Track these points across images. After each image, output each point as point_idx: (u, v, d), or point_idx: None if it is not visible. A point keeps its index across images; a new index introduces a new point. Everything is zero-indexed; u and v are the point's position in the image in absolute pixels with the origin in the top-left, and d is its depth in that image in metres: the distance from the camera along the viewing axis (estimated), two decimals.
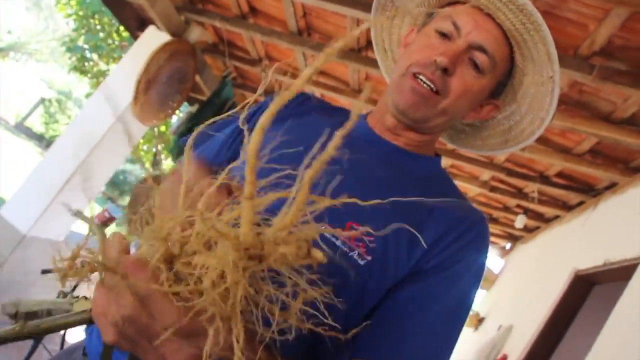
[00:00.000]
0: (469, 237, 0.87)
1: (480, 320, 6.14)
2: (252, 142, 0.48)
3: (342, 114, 1.05)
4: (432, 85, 0.89)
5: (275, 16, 3.83)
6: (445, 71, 0.88)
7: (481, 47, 0.90)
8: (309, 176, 0.49)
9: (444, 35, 0.92)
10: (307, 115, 1.03)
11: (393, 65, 1.16)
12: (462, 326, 0.87)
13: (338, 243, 0.81)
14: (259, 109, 1.05)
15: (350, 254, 0.81)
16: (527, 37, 0.90)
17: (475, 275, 0.88)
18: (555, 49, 0.89)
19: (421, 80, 0.89)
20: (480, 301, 6.87)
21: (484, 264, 0.90)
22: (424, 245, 0.84)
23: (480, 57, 0.90)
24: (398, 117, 0.95)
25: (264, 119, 0.48)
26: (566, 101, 3.23)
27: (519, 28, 0.89)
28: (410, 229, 0.74)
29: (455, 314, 0.86)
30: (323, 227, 0.79)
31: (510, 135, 1.05)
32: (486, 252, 0.91)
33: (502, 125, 1.06)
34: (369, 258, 0.82)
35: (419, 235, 0.79)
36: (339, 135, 0.48)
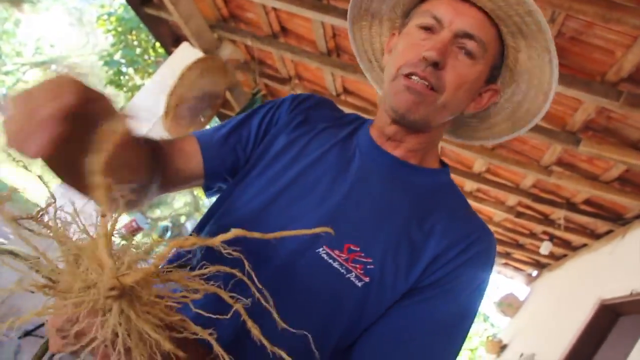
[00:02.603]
0: (470, 254, 0.85)
1: (503, 347, 6.03)
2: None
3: (350, 123, 1.04)
4: (426, 83, 0.85)
5: (305, 36, 3.90)
6: (436, 65, 0.85)
7: (467, 33, 0.86)
8: (171, 246, 0.51)
9: (426, 30, 0.88)
10: (318, 126, 1.01)
11: (382, 75, 1.11)
12: (462, 342, 0.85)
13: (335, 265, 0.81)
14: (277, 104, 1.05)
15: (347, 275, 0.81)
16: (512, 13, 0.86)
17: (477, 292, 0.86)
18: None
19: (414, 79, 0.86)
20: (504, 328, 6.74)
21: (487, 281, 0.88)
22: (423, 265, 0.83)
23: (468, 44, 0.86)
24: (399, 122, 0.91)
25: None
26: (594, 127, 3.20)
27: (502, 6, 0.85)
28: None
29: (455, 330, 0.84)
30: (321, 249, 0.82)
31: (515, 117, 1.00)
32: (490, 268, 0.88)
33: (505, 109, 1.01)
34: (367, 280, 0.81)
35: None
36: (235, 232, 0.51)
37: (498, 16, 0.88)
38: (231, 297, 0.55)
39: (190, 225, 11.19)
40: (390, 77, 0.91)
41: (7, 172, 10.88)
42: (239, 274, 0.53)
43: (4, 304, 4.13)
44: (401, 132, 0.93)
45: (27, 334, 3.39)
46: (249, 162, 0.99)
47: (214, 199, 1.02)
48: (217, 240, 0.50)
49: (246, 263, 0.54)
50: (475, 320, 0.89)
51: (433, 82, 0.85)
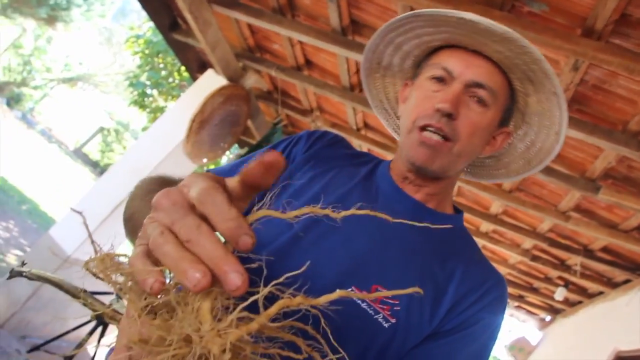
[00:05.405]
0: (488, 300, 0.88)
1: None
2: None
3: (367, 163, 1.06)
4: (440, 134, 0.89)
5: (329, 70, 3.96)
6: (450, 116, 0.88)
7: (477, 83, 0.90)
8: (279, 305, 0.46)
9: (438, 82, 0.93)
10: (337, 164, 1.03)
11: (398, 122, 1.16)
12: None
13: (364, 306, 0.82)
14: (294, 141, 1.06)
15: (375, 316, 0.82)
16: (518, 62, 0.90)
17: (491, 336, 0.89)
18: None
19: (429, 131, 0.89)
20: None
21: (500, 325, 0.91)
22: (445, 309, 0.85)
23: (479, 92, 0.90)
24: (417, 173, 0.95)
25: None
26: (614, 176, 3.18)
27: (509, 56, 0.90)
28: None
29: None
30: (350, 290, 0.83)
31: (529, 155, 1.05)
32: (503, 313, 0.91)
33: (518, 149, 1.06)
34: (394, 321, 0.82)
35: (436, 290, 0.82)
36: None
37: (506, 65, 0.93)
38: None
39: None
40: (406, 130, 0.95)
41: None
42: (311, 330, 0.51)
43: (15, 318, 4.16)
44: (420, 179, 0.97)
45: (35, 348, 3.39)
46: (265, 199, 1.00)
47: None
48: (322, 300, 0.48)
49: (322, 320, 0.51)
50: None
51: (448, 132, 0.89)
